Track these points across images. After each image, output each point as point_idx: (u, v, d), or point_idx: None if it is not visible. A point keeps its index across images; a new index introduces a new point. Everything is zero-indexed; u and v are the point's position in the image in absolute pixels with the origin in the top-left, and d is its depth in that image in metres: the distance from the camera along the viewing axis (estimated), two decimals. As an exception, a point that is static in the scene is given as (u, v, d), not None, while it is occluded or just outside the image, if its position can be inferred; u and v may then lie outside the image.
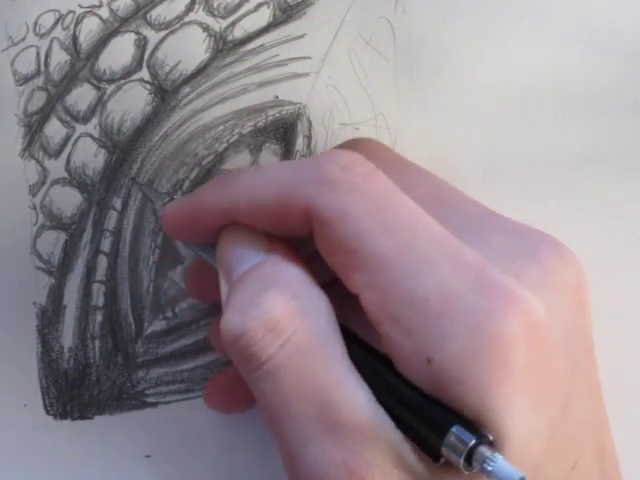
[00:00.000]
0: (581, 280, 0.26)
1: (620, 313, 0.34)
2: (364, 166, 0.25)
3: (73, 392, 0.33)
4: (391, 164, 0.28)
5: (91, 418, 0.33)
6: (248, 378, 0.24)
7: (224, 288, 0.26)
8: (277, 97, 0.33)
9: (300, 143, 0.33)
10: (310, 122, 0.33)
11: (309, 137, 0.33)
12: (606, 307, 0.34)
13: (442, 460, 0.22)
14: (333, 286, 0.25)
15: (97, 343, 0.33)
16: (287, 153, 0.33)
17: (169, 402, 0.33)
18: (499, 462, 0.21)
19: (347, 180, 0.24)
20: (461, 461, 0.21)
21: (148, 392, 0.33)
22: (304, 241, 0.26)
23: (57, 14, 0.33)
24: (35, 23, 0.33)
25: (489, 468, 0.21)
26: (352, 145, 0.32)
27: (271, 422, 0.24)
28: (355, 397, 0.23)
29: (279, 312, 0.24)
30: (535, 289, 0.23)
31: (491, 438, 0.21)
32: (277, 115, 0.33)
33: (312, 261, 0.26)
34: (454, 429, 0.21)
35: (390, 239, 0.23)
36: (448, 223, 0.24)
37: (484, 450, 0.21)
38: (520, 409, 0.22)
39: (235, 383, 0.25)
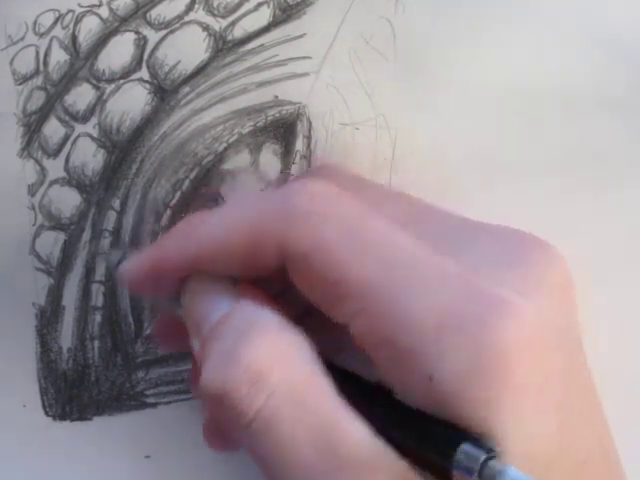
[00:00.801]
0: (567, 278, 0.26)
1: (621, 312, 0.34)
2: (331, 192, 0.25)
3: (72, 393, 0.33)
4: (357, 186, 0.28)
5: (90, 419, 0.33)
6: (239, 436, 0.23)
7: (195, 343, 0.25)
8: (277, 97, 0.33)
9: (300, 143, 0.33)
10: (310, 122, 0.33)
11: (309, 137, 0.33)
12: (607, 306, 0.34)
13: None
14: (305, 318, 0.25)
15: (96, 343, 0.33)
16: (287, 153, 0.33)
17: (169, 402, 0.33)
18: (512, 474, 0.20)
19: (316, 210, 0.24)
20: (475, 479, 0.21)
21: (148, 392, 0.33)
22: (271, 279, 0.25)
23: (56, 13, 0.33)
24: (34, 22, 0.33)
25: None
26: (315, 173, 0.31)
27: (270, 475, 0.23)
28: (353, 434, 0.22)
29: (260, 363, 0.23)
30: (524, 292, 0.23)
31: (499, 450, 0.21)
32: (277, 115, 0.33)
33: (281, 297, 0.25)
34: (463, 447, 0.21)
35: (372, 263, 0.23)
36: (426, 238, 0.24)
37: (495, 464, 0.21)
38: (525, 417, 0.22)
39: None
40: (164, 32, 0.33)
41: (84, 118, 0.33)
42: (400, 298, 0.23)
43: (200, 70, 0.33)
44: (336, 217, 0.24)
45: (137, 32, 0.33)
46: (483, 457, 0.21)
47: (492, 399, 0.21)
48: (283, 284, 0.25)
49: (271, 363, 0.23)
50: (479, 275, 0.23)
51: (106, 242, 0.33)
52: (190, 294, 0.26)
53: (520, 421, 0.22)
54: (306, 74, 0.33)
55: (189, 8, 0.33)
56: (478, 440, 0.21)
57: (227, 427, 0.24)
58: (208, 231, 0.25)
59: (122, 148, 0.33)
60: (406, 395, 0.23)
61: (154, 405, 0.33)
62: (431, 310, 0.22)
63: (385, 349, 0.23)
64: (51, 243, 0.33)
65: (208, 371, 0.23)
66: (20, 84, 0.33)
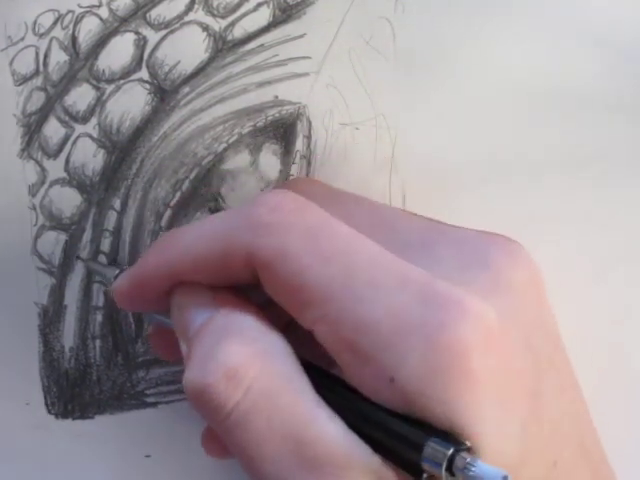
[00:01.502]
0: (535, 276, 0.26)
1: (620, 313, 0.34)
2: (294, 202, 0.25)
3: (74, 391, 0.34)
4: (326, 197, 0.29)
5: (92, 417, 0.34)
6: (218, 430, 0.24)
7: (183, 348, 0.26)
8: (277, 97, 0.33)
9: (300, 143, 0.33)
10: (310, 122, 0.33)
11: (309, 137, 0.33)
12: (607, 307, 0.34)
13: (425, 476, 0.22)
14: (292, 326, 0.25)
15: (98, 343, 0.34)
16: (287, 153, 0.33)
17: (169, 402, 0.33)
18: (480, 465, 0.21)
19: (279, 220, 0.25)
20: (442, 471, 0.21)
21: (148, 392, 0.33)
22: (258, 288, 0.26)
23: (56, 14, 0.33)
24: (34, 23, 0.33)
25: (471, 473, 0.21)
26: (285, 185, 0.32)
27: (248, 469, 0.24)
28: (328, 430, 0.23)
29: (236, 360, 0.24)
30: (487, 293, 0.24)
31: (468, 444, 0.22)
32: (277, 115, 0.33)
33: (268, 306, 0.26)
34: (431, 442, 0.21)
35: (331, 269, 0.24)
36: (393, 244, 0.25)
37: (464, 456, 0.21)
38: (488, 416, 0.22)
39: None
40: (164, 32, 0.33)
41: (84, 118, 0.33)
42: (359, 303, 0.23)
43: (200, 70, 0.33)
44: (296, 226, 0.24)
45: (137, 32, 0.33)
46: (451, 450, 0.21)
47: (453, 398, 0.22)
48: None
49: (247, 359, 0.24)
50: (438, 278, 0.23)
51: (107, 242, 0.33)
52: (176, 303, 0.27)
53: (481, 420, 0.22)
54: (306, 74, 0.33)
55: (189, 8, 0.33)
56: (447, 435, 0.22)
57: (209, 424, 0.25)
58: (181, 244, 0.27)
59: (122, 148, 0.33)
60: (373, 397, 0.23)
61: (154, 404, 0.34)
62: (388, 314, 0.23)
63: (347, 354, 0.23)
64: (52, 243, 0.33)
65: (189, 371, 0.24)
66: (20, 85, 0.33)
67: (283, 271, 0.24)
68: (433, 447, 0.21)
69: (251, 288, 0.26)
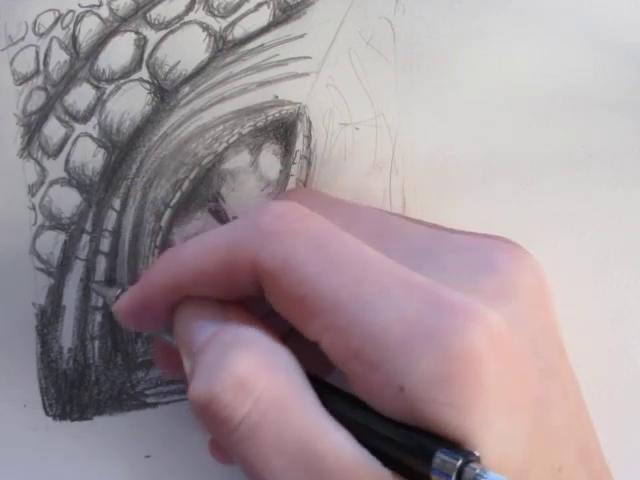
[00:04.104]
0: (540, 282, 0.26)
1: (620, 314, 0.34)
2: (298, 211, 0.25)
3: (72, 392, 0.33)
4: (327, 206, 0.28)
5: (90, 419, 0.33)
6: (225, 443, 0.24)
7: (186, 364, 0.26)
8: (277, 97, 0.33)
9: (300, 143, 0.33)
10: (310, 122, 0.33)
11: (309, 137, 0.33)
12: (606, 307, 0.34)
13: None
14: (290, 337, 0.25)
15: (96, 343, 0.33)
16: (287, 153, 0.33)
17: (169, 402, 0.33)
18: (489, 476, 0.21)
19: (284, 228, 0.24)
20: None
21: (148, 392, 0.33)
22: (258, 300, 0.25)
23: (56, 13, 0.33)
24: (34, 22, 0.33)
25: None
26: (284, 196, 0.32)
27: None
28: (337, 443, 0.22)
29: (245, 370, 0.23)
30: (494, 300, 0.23)
31: (477, 454, 0.21)
32: (277, 115, 0.33)
33: (268, 318, 0.25)
34: (439, 452, 0.21)
35: (338, 277, 0.23)
36: (397, 252, 0.24)
37: (473, 467, 0.21)
38: (495, 421, 0.22)
39: None
40: (164, 32, 0.33)
41: (84, 118, 0.33)
42: (366, 312, 0.23)
43: (200, 70, 0.33)
44: (302, 234, 0.24)
45: (137, 32, 0.33)
46: (460, 462, 0.21)
47: (461, 405, 0.22)
48: (268, 305, 0.25)
49: (257, 370, 0.23)
50: (445, 285, 0.23)
51: (106, 242, 0.33)
52: (180, 318, 0.27)
53: (489, 426, 0.22)
54: (306, 74, 0.33)
55: (189, 8, 0.33)
56: (456, 445, 0.21)
57: (215, 437, 0.24)
58: (184, 258, 0.26)
59: (122, 148, 0.33)
60: (380, 407, 0.23)
61: (154, 405, 0.33)
62: (396, 322, 0.22)
63: (355, 363, 0.23)
64: (51, 243, 0.33)
65: (195, 382, 0.24)
66: (20, 84, 0.33)
67: (288, 280, 0.24)
68: (442, 458, 0.21)
69: (251, 301, 0.26)
